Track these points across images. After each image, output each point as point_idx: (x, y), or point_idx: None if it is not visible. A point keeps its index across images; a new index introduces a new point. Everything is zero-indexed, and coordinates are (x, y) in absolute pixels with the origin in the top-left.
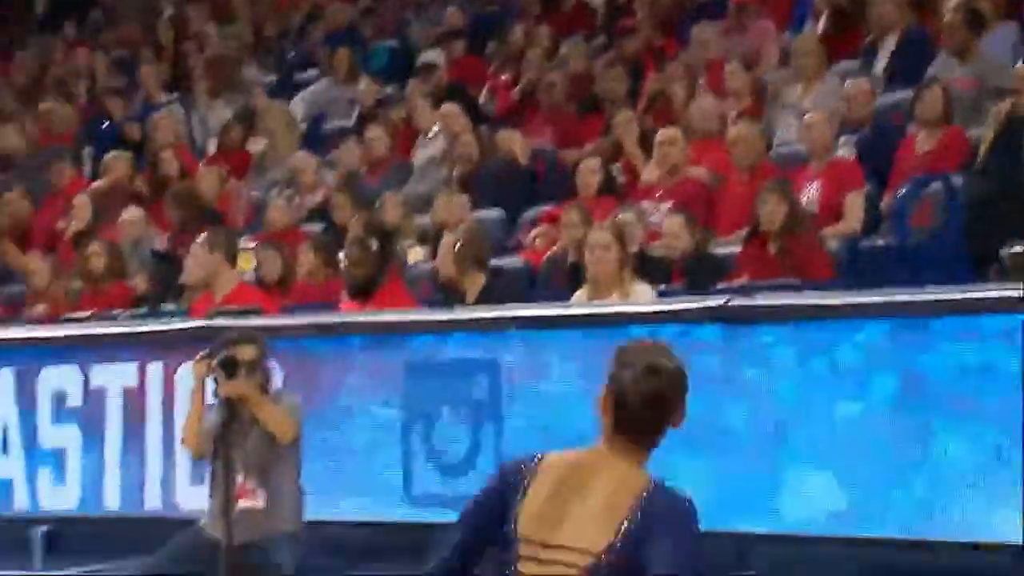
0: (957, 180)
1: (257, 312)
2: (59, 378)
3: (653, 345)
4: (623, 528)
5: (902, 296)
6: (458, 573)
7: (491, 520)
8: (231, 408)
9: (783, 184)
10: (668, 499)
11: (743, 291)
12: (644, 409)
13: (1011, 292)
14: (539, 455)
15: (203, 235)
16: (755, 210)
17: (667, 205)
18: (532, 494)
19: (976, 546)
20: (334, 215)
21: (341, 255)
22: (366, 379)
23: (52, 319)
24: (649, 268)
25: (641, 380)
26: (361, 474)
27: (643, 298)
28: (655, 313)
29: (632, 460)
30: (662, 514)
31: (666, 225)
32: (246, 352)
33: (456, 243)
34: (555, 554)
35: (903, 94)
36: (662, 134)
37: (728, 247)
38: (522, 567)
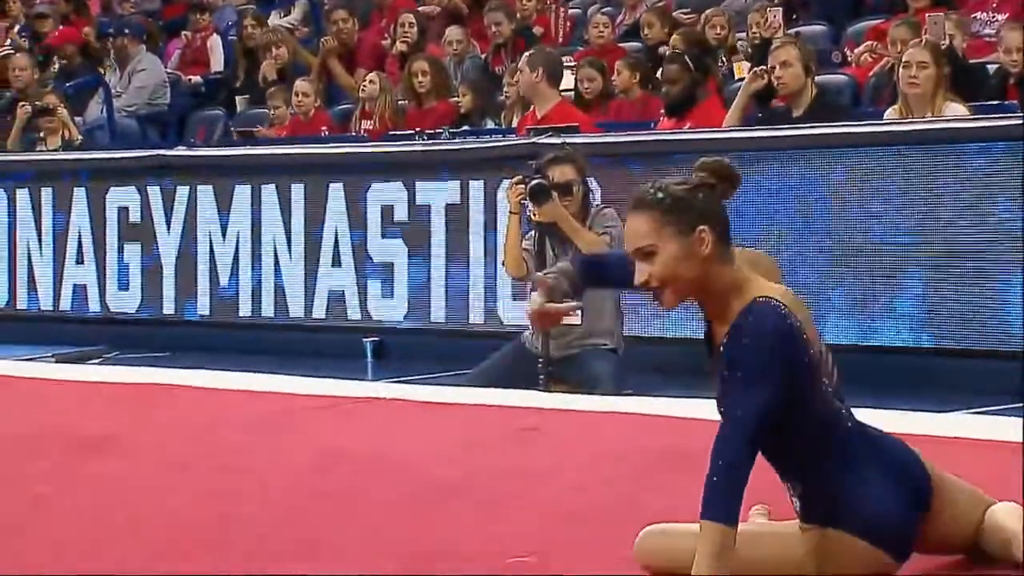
0: None
1: (575, 130)
2: (385, 193)
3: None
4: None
5: None
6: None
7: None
8: (546, 231)
9: None
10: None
11: None
12: None
13: None
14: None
15: (525, 54)
16: None
17: (1003, 16)
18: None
19: None
20: (648, 32)
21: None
22: None
23: (378, 135)
24: (974, 84)
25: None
26: None
27: (954, 113)
28: (976, 132)
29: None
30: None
31: (1004, 36)
32: (564, 172)
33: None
34: None
35: None
36: None
37: None
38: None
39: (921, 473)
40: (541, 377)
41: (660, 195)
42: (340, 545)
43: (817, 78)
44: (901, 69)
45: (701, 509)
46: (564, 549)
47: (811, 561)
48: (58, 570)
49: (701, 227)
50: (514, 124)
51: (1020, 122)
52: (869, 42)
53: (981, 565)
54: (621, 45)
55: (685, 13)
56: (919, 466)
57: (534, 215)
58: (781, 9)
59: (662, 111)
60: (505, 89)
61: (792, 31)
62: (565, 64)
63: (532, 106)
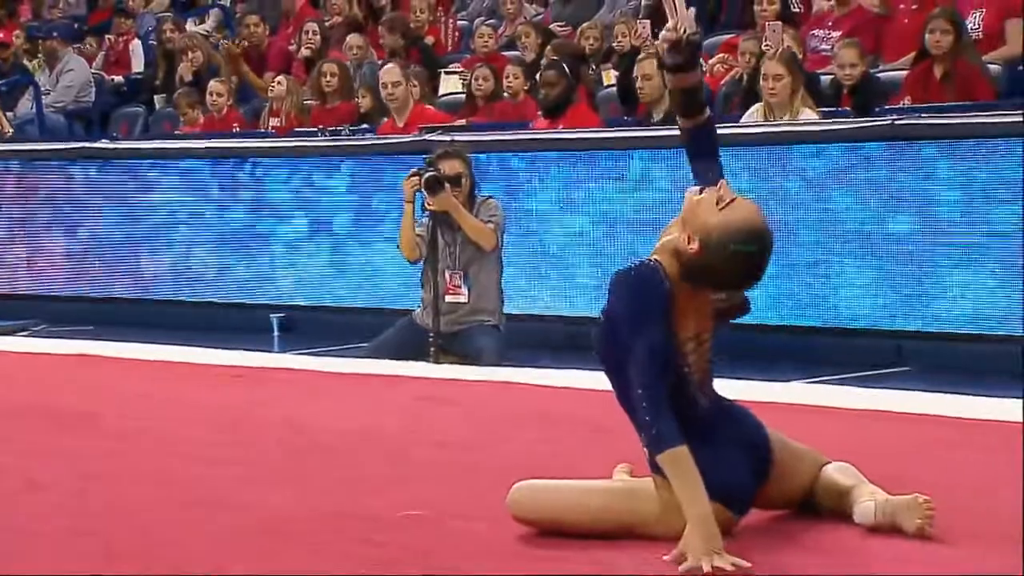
0: None
1: (464, 128)
2: (290, 184)
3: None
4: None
5: None
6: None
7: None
8: (438, 218)
9: (950, 11)
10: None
11: (907, 112)
12: None
13: None
14: (657, 265)
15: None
16: (923, 36)
17: (838, 34)
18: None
19: None
20: (526, 43)
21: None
22: (559, 193)
23: (285, 131)
24: (819, 92)
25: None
26: (556, 274)
27: (807, 118)
28: (826, 133)
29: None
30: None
31: (838, 53)
32: (453, 166)
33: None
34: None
35: None
36: None
37: (894, 72)
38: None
39: (764, 444)
40: (431, 350)
41: None
42: (245, 501)
43: None
44: (761, 80)
45: (650, 452)
46: (453, 503)
47: (664, 516)
48: None
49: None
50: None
51: (858, 126)
52: (722, 55)
53: (811, 517)
54: (503, 54)
55: (560, 26)
56: (763, 437)
57: (428, 204)
58: (648, 21)
59: (539, 112)
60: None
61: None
62: (453, 70)
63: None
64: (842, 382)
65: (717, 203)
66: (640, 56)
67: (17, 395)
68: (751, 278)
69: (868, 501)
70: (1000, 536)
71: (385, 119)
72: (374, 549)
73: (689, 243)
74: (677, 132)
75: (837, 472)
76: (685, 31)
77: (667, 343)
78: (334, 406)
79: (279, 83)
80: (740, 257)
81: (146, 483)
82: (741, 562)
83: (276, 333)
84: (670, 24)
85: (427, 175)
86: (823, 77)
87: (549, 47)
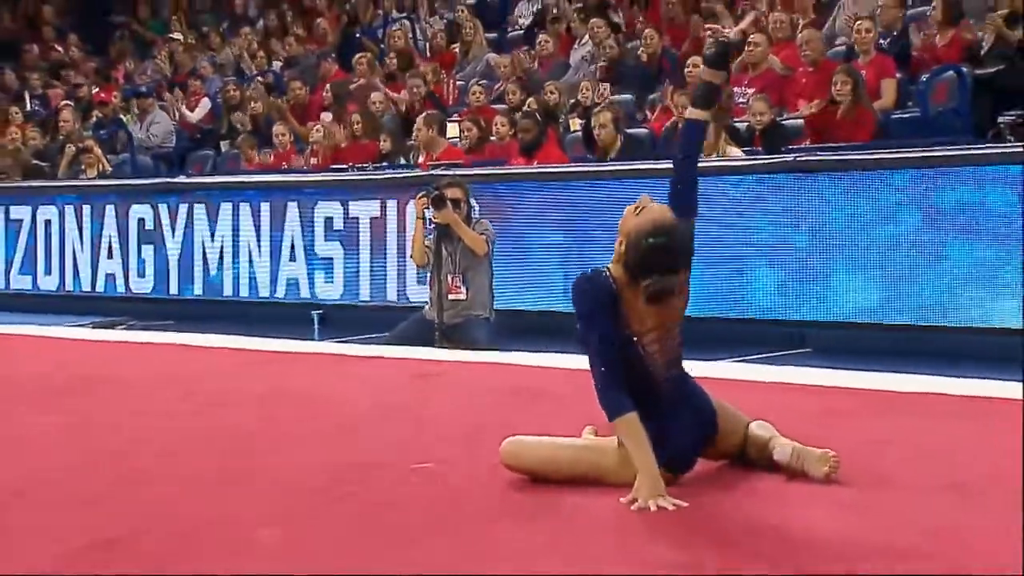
0: (965, 69)
1: (460, 165)
2: (327, 209)
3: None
4: None
5: (925, 153)
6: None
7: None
8: (443, 231)
9: (851, 68)
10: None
11: (808, 150)
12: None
13: (1006, 149)
14: (604, 270)
15: (421, 116)
16: (830, 87)
17: (752, 90)
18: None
19: (963, 331)
20: (510, 97)
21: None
22: (536, 213)
23: (322, 167)
24: (738, 135)
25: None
26: (535, 277)
27: (732, 155)
28: (745, 167)
29: None
30: None
31: (752, 104)
32: (454, 192)
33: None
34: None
35: (924, 7)
36: (750, 38)
37: (796, 120)
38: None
39: (712, 419)
40: (436, 337)
41: None
42: (277, 464)
43: (627, 131)
44: None
45: (608, 417)
46: (456, 457)
47: (620, 469)
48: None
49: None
50: (419, 161)
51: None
52: (662, 105)
53: (741, 467)
54: (493, 107)
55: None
56: (712, 413)
57: (434, 219)
58: (603, 83)
59: (518, 151)
60: (414, 136)
61: (609, 99)
62: (453, 119)
63: (429, 150)
64: (758, 361)
65: (635, 210)
66: (597, 109)
67: (105, 370)
68: (667, 263)
69: (787, 445)
70: (887, 481)
71: (401, 158)
72: (388, 494)
73: (620, 245)
74: (632, 166)
75: (759, 428)
76: (730, 38)
77: (617, 332)
78: (358, 381)
79: (317, 130)
80: (654, 247)
81: (197, 440)
82: (680, 503)
83: (316, 326)
84: (733, 28)
85: (433, 194)
86: (740, 124)
87: (528, 100)
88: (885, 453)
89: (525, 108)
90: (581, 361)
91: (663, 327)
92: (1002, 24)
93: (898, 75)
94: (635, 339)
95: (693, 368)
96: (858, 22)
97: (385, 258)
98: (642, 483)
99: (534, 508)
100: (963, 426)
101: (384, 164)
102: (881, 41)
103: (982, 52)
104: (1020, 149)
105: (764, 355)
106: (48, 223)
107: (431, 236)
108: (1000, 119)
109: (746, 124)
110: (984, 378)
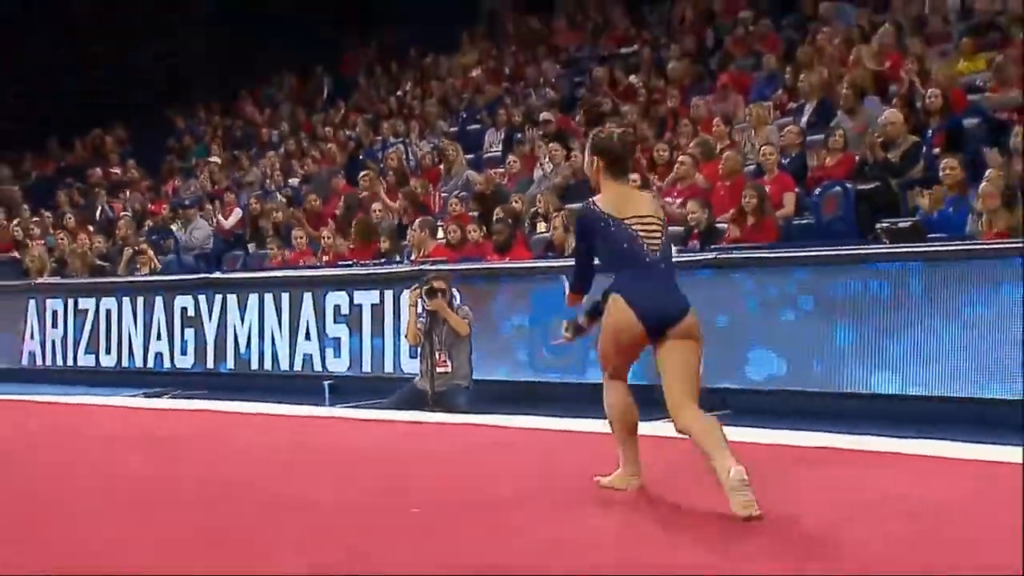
0: (849, 185)
1: (445, 262)
2: (336, 298)
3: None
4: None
5: (819, 252)
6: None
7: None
8: (432, 316)
9: (757, 185)
10: None
11: (726, 249)
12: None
13: (883, 249)
14: (590, 203)
15: (416, 221)
16: (741, 200)
17: (680, 199)
18: (613, 210)
19: (851, 396)
20: (484, 205)
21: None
22: (506, 300)
23: (332, 264)
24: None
25: (620, 137)
26: (505, 353)
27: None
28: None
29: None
30: None
31: (689, 207)
32: (439, 283)
33: (559, 222)
34: (645, 220)
35: (818, 135)
36: (680, 159)
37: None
38: (638, 231)
39: (685, 304)
40: (428, 403)
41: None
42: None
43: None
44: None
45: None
46: (441, 504)
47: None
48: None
49: (595, 156)
50: (412, 258)
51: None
52: None
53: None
54: (469, 213)
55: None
56: (686, 303)
57: (427, 306)
58: (559, 200)
59: (492, 250)
60: (408, 238)
61: (564, 208)
62: (440, 224)
63: (421, 249)
64: None
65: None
66: (553, 215)
67: (158, 430)
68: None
69: (726, 471)
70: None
71: (397, 256)
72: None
73: (594, 164)
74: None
75: (708, 432)
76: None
77: (588, 252)
78: (362, 437)
79: (327, 237)
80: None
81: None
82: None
83: (327, 394)
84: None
85: (426, 287)
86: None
87: (498, 209)
88: (791, 490)
89: (497, 215)
90: (544, 422)
91: (640, 219)
92: (878, 148)
93: (797, 189)
94: (622, 221)
95: (642, 428)
96: (764, 147)
97: (384, 337)
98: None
99: (512, 530)
100: (849, 472)
101: (383, 260)
102: (783, 161)
103: (865, 170)
104: (894, 249)
105: None
106: (108, 312)
107: (423, 320)
108: (877, 225)
109: (682, 228)
110: (865, 435)
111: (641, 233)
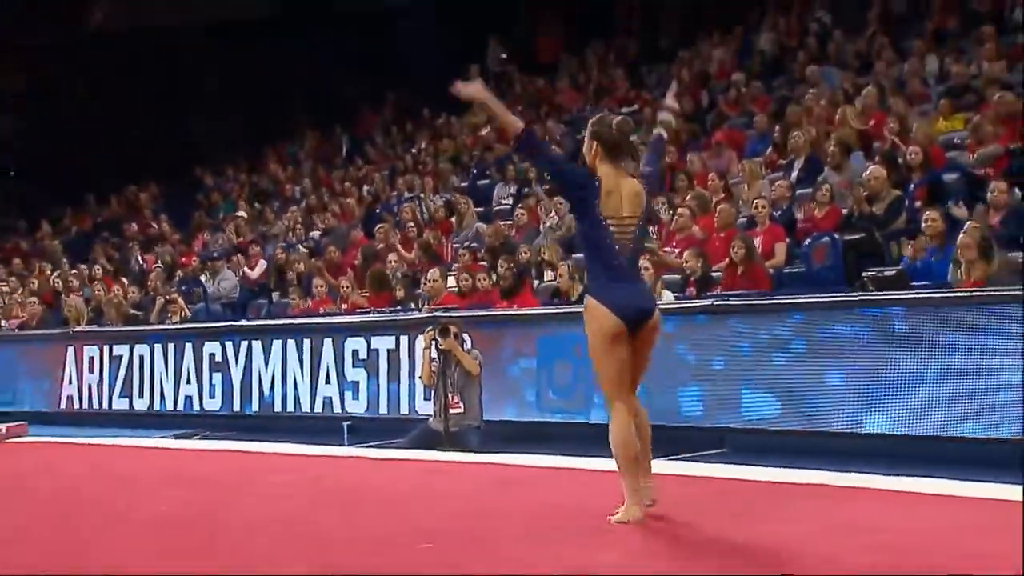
0: (837, 236)
1: (457, 308)
2: (354, 343)
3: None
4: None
5: (809, 299)
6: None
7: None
8: (445, 357)
9: (746, 236)
10: None
11: (722, 296)
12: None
13: (869, 296)
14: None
15: (431, 269)
16: (731, 250)
17: (678, 249)
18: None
19: (843, 435)
20: (493, 255)
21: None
22: (514, 345)
23: (351, 311)
24: (672, 283)
25: (618, 124)
26: (514, 394)
27: (666, 299)
28: (675, 309)
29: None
30: None
31: (686, 256)
32: (452, 328)
33: (565, 271)
34: (624, 221)
35: (807, 189)
36: (678, 211)
37: (714, 273)
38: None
39: (653, 302)
40: (443, 443)
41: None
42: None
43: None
44: None
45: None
46: (455, 538)
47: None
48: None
49: (594, 141)
50: (427, 305)
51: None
52: None
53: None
54: (479, 263)
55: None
56: (653, 302)
57: (441, 346)
58: (561, 249)
59: (500, 296)
60: (422, 286)
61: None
62: (449, 273)
63: (433, 297)
64: (688, 459)
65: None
66: (559, 264)
67: (187, 469)
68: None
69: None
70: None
71: (412, 304)
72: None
73: (592, 149)
74: (582, 308)
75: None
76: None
77: (566, 169)
78: (381, 476)
79: (345, 286)
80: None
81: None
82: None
83: (346, 434)
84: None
85: (439, 327)
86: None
87: (502, 258)
88: (787, 523)
89: (502, 264)
90: (552, 460)
91: (617, 220)
92: (863, 201)
93: (787, 240)
94: (606, 221)
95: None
96: (756, 200)
97: (399, 380)
98: None
99: (523, 563)
100: (837, 506)
101: (398, 308)
102: (774, 213)
103: (851, 221)
104: (880, 297)
105: (692, 454)
106: (141, 358)
107: (436, 361)
108: (864, 273)
109: (679, 275)
110: (857, 472)
111: (616, 235)
